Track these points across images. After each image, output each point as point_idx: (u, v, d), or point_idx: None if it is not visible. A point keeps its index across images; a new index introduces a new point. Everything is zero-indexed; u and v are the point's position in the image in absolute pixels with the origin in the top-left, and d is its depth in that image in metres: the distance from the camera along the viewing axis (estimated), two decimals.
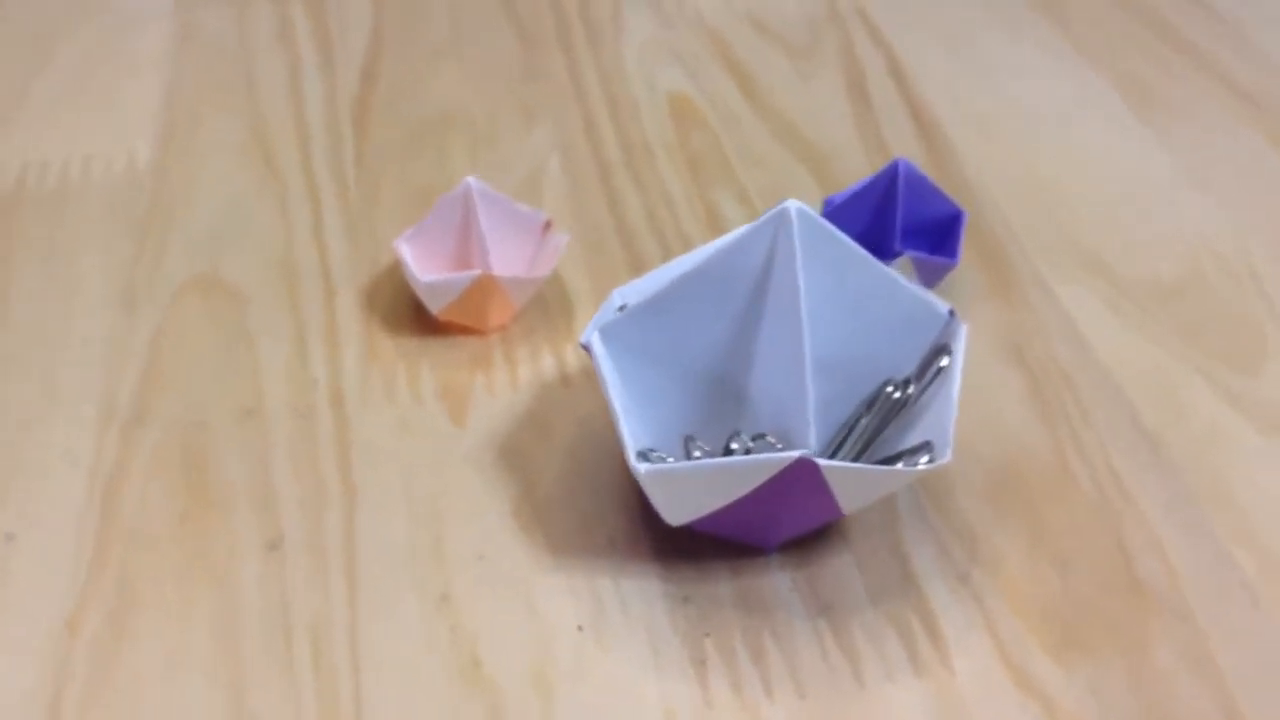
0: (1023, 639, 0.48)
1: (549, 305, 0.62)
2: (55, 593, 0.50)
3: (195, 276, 0.64)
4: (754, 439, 0.49)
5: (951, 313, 0.50)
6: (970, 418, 0.56)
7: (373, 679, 0.47)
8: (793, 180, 0.69)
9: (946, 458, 0.46)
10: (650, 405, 0.50)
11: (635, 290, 0.53)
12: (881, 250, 0.59)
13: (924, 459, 0.47)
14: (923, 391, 0.49)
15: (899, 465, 0.47)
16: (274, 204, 0.68)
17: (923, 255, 0.58)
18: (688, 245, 0.65)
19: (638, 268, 0.64)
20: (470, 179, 0.58)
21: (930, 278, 0.60)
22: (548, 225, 0.61)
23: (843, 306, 0.48)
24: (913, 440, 0.48)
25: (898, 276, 0.49)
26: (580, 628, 0.48)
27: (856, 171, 0.70)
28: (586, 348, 0.50)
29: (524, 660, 0.47)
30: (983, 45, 0.81)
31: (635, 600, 0.49)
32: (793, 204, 0.46)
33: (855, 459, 0.49)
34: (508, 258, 0.59)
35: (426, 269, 0.59)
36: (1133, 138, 0.73)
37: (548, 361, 0.59)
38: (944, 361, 0.48)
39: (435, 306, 0.59)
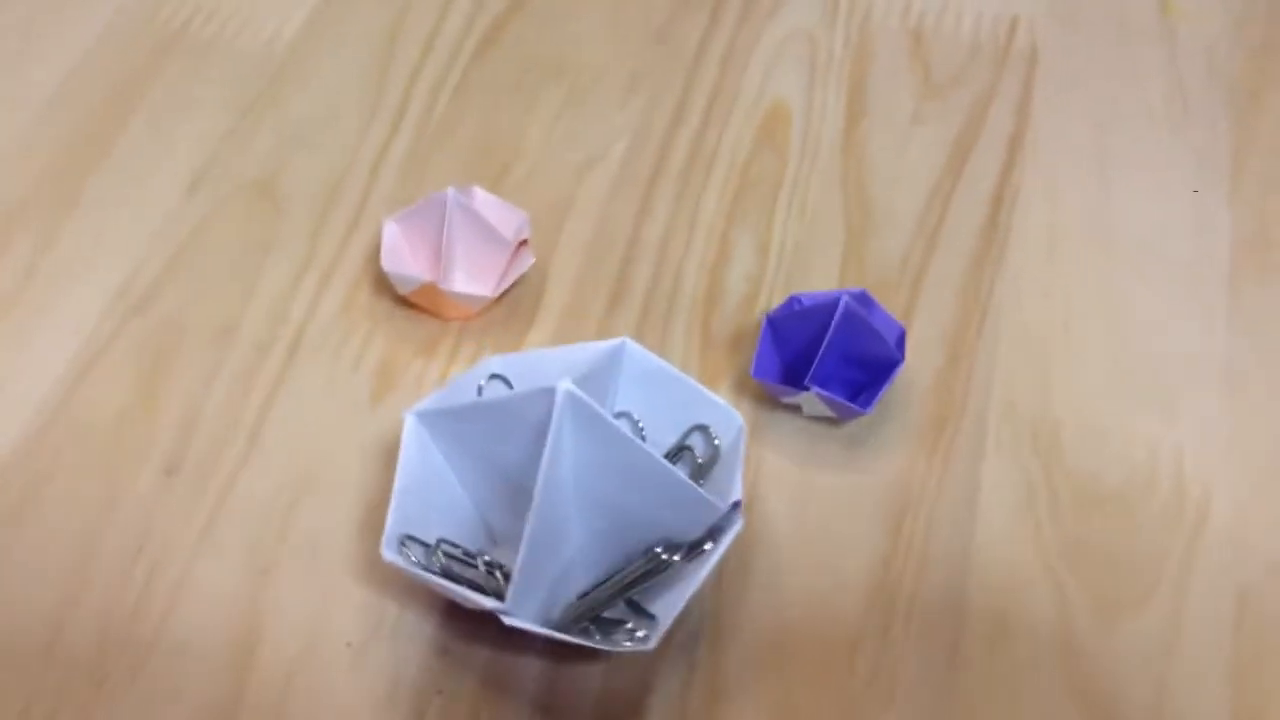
0: None
1: (520, 304, 0.66)
2: None
3: (256, 180, 0.71)
4: (499, 569, 0.54)
5: (735, 505, 0.51)
6: (807, 567, 0.57)
7: (175, 619, 0.56)
8: (815, 250, 0.68)
9: (649, 645, 0.49)
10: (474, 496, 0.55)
11: (508, 363, 0.57)
12: (801, 377, 0.60)
13: (639, 634, 0.50)
14: (687, 561, 0.51)
15: (618, 632, 0.51)
16: (364, 116, 0.74)
17: (828, 395, 0.59)
18: (678, 285, 0.67)
19: (618, 295, 0.66)
20: (451, 189, 0.62)
21: (845, 413, 0.60)
22: (522, 244, 0.64)
23: (613, 481, 0.51)
24: (655, 608, 0.52)
25: (665, 465, 0.50)
26: (349, 644, 0.55)
27: (888, 258, 0.68)
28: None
29: (287, 659, 0.55)
30: (1138, 145, 0.74)
31: (405, 636, 0.56)
32: (561, 386, 0.48)
33: (605, 600, 0.53)
34: (475, 267, 0.63)
35: (410, 249, 0.64)
36: (1202, 304, 0.67)
37: None
38: (708, 546, 0.51)
39: (399, 290, 0.64)
